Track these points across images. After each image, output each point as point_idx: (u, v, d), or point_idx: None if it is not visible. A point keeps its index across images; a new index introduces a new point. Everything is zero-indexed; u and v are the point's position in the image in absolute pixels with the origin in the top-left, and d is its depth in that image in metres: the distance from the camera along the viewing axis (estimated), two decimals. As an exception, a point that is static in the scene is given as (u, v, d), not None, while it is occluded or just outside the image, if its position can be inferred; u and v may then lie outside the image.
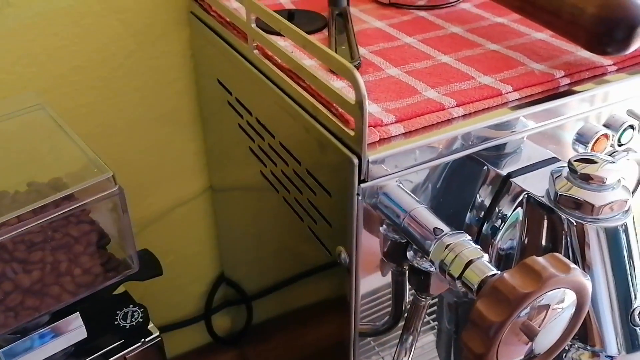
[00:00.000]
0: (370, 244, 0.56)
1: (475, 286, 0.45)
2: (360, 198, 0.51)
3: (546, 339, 0.46)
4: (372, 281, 0.59)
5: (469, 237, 0.49)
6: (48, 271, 0.56)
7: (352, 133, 0.49)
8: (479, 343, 0.42)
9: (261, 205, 0.75)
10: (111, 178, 0.56)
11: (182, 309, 1.06)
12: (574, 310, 0.45)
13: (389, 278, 0.59)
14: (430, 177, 0.56)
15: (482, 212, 0.58)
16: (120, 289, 0.70)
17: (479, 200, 0.58)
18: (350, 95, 0.48)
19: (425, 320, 0.62)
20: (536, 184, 0.54)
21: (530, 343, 0.45)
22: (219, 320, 1.11)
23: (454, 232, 0.49)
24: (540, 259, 0.42)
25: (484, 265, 0.46)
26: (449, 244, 0.48)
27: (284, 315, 0.82)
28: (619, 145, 0.61)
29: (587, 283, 0.44)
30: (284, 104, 0.57)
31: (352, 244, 0.54)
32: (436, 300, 0.67)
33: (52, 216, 0.54)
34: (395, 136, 0.51)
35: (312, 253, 0.63)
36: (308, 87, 0.55)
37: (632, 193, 0.62)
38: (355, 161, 0.49)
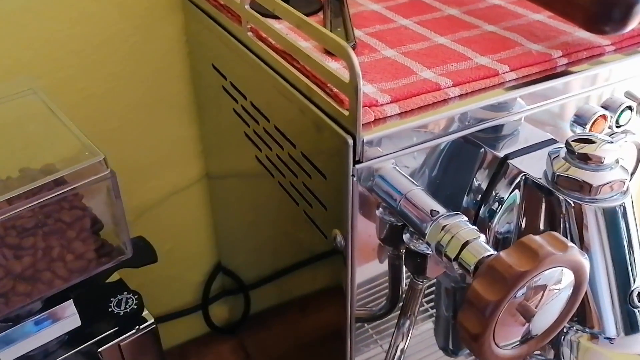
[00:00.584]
0: (366, 227, 0.55)
1: (472, 267, 0.44)
2: (355, 179, 0.50)
3: (543, 321, 0.46)
4: (368, 266, 0.59)
5: (466, 219, 0.48)
6: (40, 257, 0.55)
7: (346, 113, 0.48)
8: (475, 323, 0.41)
9: (257, 191, 0.74)
10: (103, 161, 0.55)
11: (180, 299, 1.06)
12: (571, 291, 0.45)
13: (385, 262, 0.59)
14: (426, 160, 0.55)
15: (479, 195, 0.57)
16: (115, 277, 0.69)
17: (476, 183, 0.57)
18: (345, 75, 0.47)
19: (423, 307, 0.61)
20: (534, 166, 0.53)
21: (527, 324, 0.44)
22: (216, 310, 1.10)
23: (450, 213, 0.48)
24: (537, 238, 0.42)
25: (481, 246, 0.45)
26: (445, 225, 0.47)
27: (281, 304, 0.82)
28: (617, 127, 0.60)
29: (585, 261, 0.43)
30: (279, 86, 0.57)
31: (347, 227, 0.53)
32: (434, 287, 0.66)
33: (43, 199, 0.53)
34: (390, 116, 0.50)
35: (308, 238, 0.62)
36: (302, 68, 0.54)
37: (631, 176, 0.61)
38: (350, 141, 0.48)
